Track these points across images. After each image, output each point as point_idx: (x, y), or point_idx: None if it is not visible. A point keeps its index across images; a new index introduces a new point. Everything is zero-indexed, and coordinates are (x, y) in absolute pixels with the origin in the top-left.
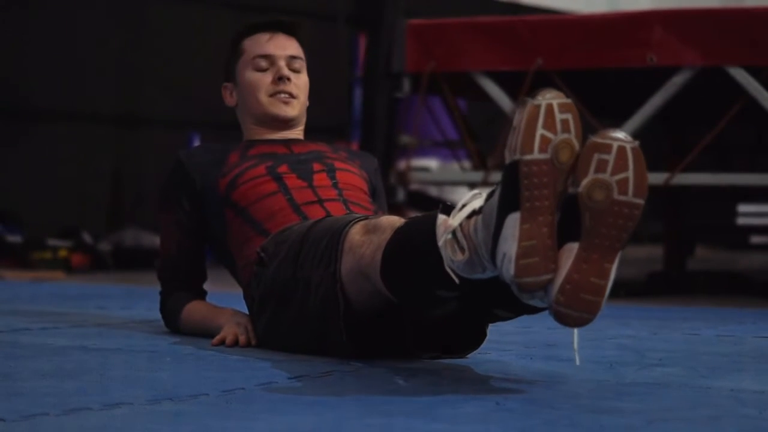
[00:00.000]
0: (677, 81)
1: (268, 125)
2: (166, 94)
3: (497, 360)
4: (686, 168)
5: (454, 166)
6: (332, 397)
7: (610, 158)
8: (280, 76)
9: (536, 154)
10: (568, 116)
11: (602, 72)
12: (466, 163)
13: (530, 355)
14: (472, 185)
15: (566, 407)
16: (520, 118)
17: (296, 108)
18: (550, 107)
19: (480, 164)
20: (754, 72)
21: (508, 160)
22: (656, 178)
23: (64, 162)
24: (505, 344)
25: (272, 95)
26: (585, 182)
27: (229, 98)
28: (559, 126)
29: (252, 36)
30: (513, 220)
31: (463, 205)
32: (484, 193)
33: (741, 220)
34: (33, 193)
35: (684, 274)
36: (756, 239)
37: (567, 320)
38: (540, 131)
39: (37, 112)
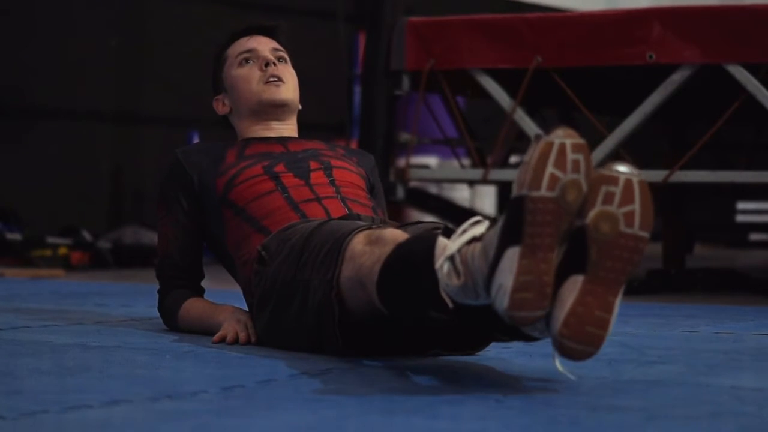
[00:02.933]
0: (676, 78)
1: (263, 116)
2: (165, 93)
3: (497, 357)
4: (685, 165)
5: (454, 163)
6: (332, 395)
7: (617, 191)
8: (266, 62)
9: (543, 192)
10: (580, 157)
11: (601, 69)
12: (466, 161)
13: (530, 353)
14: (471, 183)
15: (566, 404)
16: (531, 154)
17: (288, 91)
18: (562, 146)
19: (479, 162)
20: (753, 69)
21: (515, 193)
22: (655, 175)
23: (64, 160)
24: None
25: (263, 83)
26: (592, 214)
27: (222, 107)
28: (569, 166)
29: (232, 44)
30: (512, 254)
31: (464, 231)
32: (486, 221)
33: (740, 218)
34: (33, 191)
35: (683, 272)
36: (755, 236)
37: (571, 353)
38: (550, 169)
39: (37, 110)
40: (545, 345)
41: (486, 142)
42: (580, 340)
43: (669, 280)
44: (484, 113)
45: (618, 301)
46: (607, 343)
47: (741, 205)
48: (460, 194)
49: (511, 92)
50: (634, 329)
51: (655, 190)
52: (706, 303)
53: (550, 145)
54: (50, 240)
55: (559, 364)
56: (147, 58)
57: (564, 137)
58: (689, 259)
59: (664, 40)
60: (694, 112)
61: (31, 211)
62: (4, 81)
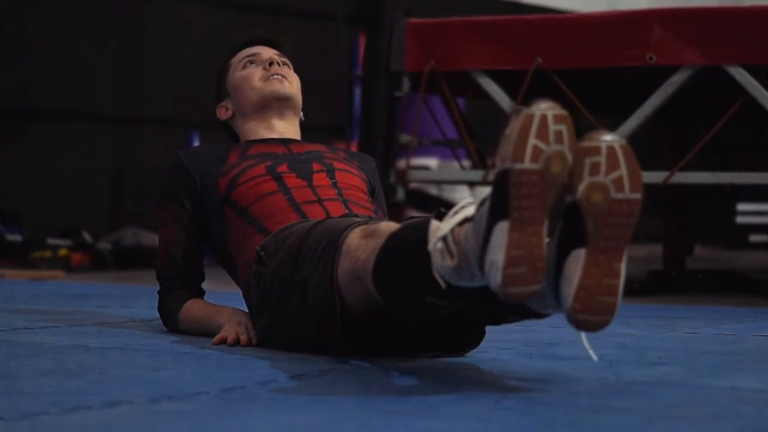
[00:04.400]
0: (676, 80)
1: (266, 112)
2: (166, 94)
3: (497, 359)
4: (685, 167)
5: (454, 164)
6: (332, 396)
7: (602, 159)
8: (271, 61)
9: (527, 164)
10: (563, 128)
11: (601, 71)
12: (466, 162)
13: (529, 354)
14: (471, 184)
15: (565, 406)
16: (512, 127)
17: (293, 87)
18: (544, 118)
19: (479, 163)
20: (753, 71)
21: (499, 168)
22: (655, 177)
23: (65, 161)
24: (505, 343)
25: (266, 79)
26: (582, 187)
27: (225, 112)
28: (552, 137)
29: (236, 54)
30: (501, 229)
31: (456, 212)
32: (478, 200)
33: (740, 219)
34: (33, 193)
35: (683, 273)
36: (755, 238)
37: (587, 326)
38: (532, 141)
39: (37, 111)
40: (545, 346)
41: (486, 143)
42: (594, 311)
43: (669, 282)
44: (484, 114)
45: (623, 265)
46: (607, 344)
47: (741, 207)
48: (461, 195)
49: (512, 93)
50: (635, 330)
51: (655, 191)
52: (706, 304)
53: (531, 116)
54: (50, 241)
55: (585, 340)
56: (147, 60)
57: (545, 109)
58: (689, 260)
59: (664, 41)
60: (695, 113)
61: (32, 212)
62: (5, 82)
